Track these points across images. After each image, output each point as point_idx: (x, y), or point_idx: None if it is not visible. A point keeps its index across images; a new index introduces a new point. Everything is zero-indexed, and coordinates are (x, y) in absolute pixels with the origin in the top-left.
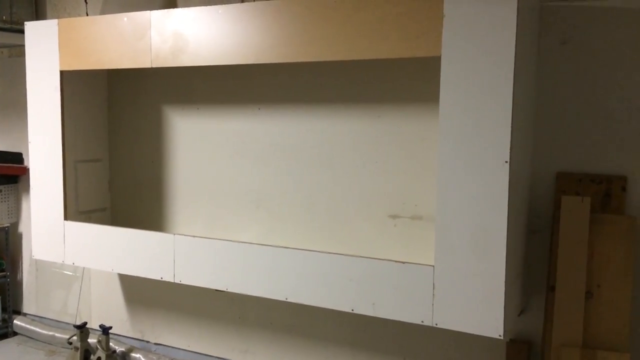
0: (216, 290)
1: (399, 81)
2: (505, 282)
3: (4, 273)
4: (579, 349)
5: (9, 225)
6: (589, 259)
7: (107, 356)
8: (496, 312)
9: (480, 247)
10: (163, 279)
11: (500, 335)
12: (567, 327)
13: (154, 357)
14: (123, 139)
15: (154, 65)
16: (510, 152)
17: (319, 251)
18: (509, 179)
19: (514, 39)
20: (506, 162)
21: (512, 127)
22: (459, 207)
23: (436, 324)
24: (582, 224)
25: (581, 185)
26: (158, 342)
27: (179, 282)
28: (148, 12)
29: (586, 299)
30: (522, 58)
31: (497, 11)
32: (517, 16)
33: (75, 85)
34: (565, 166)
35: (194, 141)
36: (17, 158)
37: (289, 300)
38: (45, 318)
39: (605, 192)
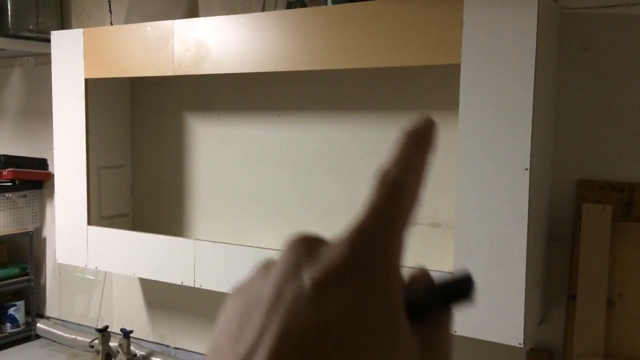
0: None
1: (419, 89)
2: (526, 290)
3: (27, 277)
4: (600, 358)
5: (33, 230)
6: (611, 267)
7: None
8: (516, 320)
9: (500, 255)
10: (183, 284)
11: (520, 344)
12: (588, 337)
13: None
14: (145, 146)
15: (176, 73)
16: (531, 160)
17: None
18: (529, 186)
19: (535, 46)
20: (526, 169)
21: (532, 134)
22: (478, 215)
23: (455, 332)
24: (604, 233)
25: (602, 193)
26: (177, 347)
27: (199, 286)
28: (171, 21)
29: (607, 308)
30: (542, 65)
31: (517, 18)
32: (538, 23)
33: (100, 92)
34: (587, 174)
35: (214, 147)
36: (42, 164)
37: None
38: (67, 322)
39: (627, 200)
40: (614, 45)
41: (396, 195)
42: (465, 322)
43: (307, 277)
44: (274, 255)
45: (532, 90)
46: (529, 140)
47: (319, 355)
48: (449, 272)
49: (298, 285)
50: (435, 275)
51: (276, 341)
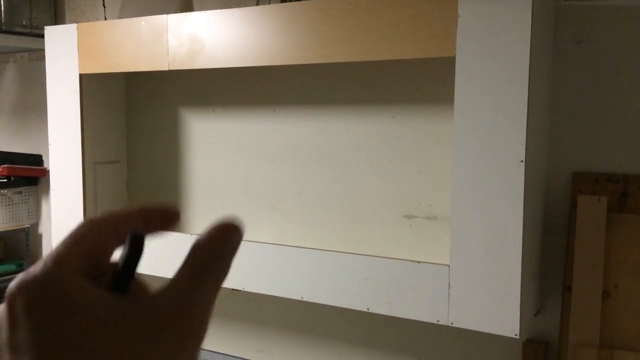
0: (232, 289)
1: (414, 82)
2: (521, 281)
3: None
4: (596, 348)
5: (29, 226)
6: (606, 258)
7: None
8: (512, 311)
9: (496, 247)
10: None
11: (516, 335)
12: (583, 327)
13: None
14: (140, 141)
15: (170, 68)
16: (526, 152)
17: (334, 251)
18: (525, 178)
19: (529, 39)
20: (522, 161)
21: (527, 126)
22: (474, 207)
23: (452, 323)
24: (599, 224)
25: (598, 184)
26: None
27: None
28: (165, 16)
29: (603, 298)
30: (537, 57)
31: (511, 11)
32: (532, 16)
33: (94, 88)
34: (582, 165)
35: (210, 142)
36: (37, 160)
37: (304, 299)
38: None
39: (622, 191)
40: (609, 37)
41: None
42: (461, 313)
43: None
44: None
45: (527, 83)
46: (524, 132)
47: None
48: (445, 265)
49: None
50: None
51: None
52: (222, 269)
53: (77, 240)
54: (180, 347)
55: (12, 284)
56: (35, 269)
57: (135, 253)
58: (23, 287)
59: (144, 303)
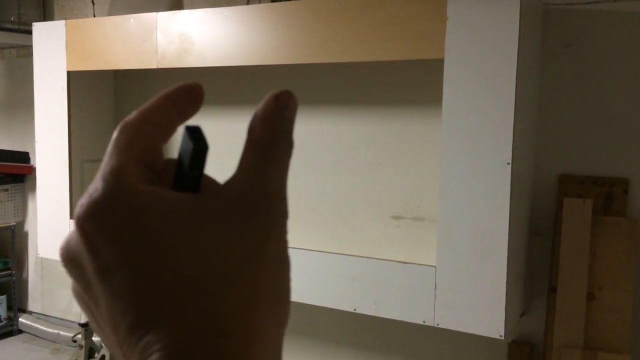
0: None
1: (403, 83)
2: (507, 282)
3: (9, 271)
4: (580, 350)
5: (15, 224)
6: (591, 261)
7: (111, 354)
8: (498, 312)
9: (482, 248)
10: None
11: (501, 336)
12: (568, 329)
13: None
14: None
15: (159, 66)
16: (513, 154)
17: (322, 251)
18: (511, 180)
19: (517, 42)
20: (508, 163)
21: (514, 128)
22: (460, 208)
23: (438, 324)
24: (584, 226)
25: (583, 187)
26: None
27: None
28: (154, 13)
29: (588, 300)
30: (525, 60)
31: (500, 14)
32: (520, 19)
33: (82, 85)
34: (568, 168)
35: (209, 147)
36: (23, 157)
37: (291, 299)
38: (50, 316)
39: (607, 194)
40: (596, 41)
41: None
42: (447, 314)
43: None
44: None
45: (514, 85)
46: (511, 134)
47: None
48: (432, 266)
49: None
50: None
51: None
52: (287, 141)
53: (124, 147)
54: (268, 229)
55: (78, 210)
56: (95, 188)
57: (201, 148)
58: (91, 209)
59: (220, 194)
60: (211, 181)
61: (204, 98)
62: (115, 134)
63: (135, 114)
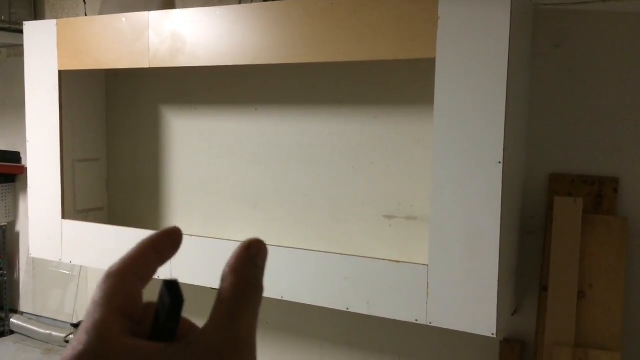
0: (212, 288)
1: (395, 83)
2: (498, 281)
3: (0, 272)
4: (571, 348)
5: (6, 224)
6: (581, 259)
7: None
8: (489, 311)
9: (474, 247)
10: (160, 278)
11: (493, 334)
12: (559, 327)
13: None
14: (121, 139)
15: (151, 66)
16: (504, 153)
17: (314, 250)
18: (502, 179)
19: (508, 41)
20: (499, 162)
21: (505, 128)
22: (452, 207)
23: (430, 323)
24: (575, 225)
25: (574, 186)
26: None
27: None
28: (146, 12)
29: (578, 298)
30: (515, 60)
31: (491, 14)
32: (511, 19)
33: (74, 85)
34: (558, 167)
35: (192, 141)
36: (14, 157)
37: (284, 299)
38: (42, 317)
39: (597, 193)
40: (586, 41)
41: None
42: (439, 312)
43: None
44: None
45: (505, 85)
46: (502, 133)
47: None
48: (424, 264)
49: None
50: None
51: None
52: (257, 290)
53: (108, 299)
54: None
55: None
56: (78, 341)
57: (177, 303)
58: (79, 353)
59: (192, 346)
60: (188, 325)
61: (182, 241)
62: (100, 282)
63: (119, 264)
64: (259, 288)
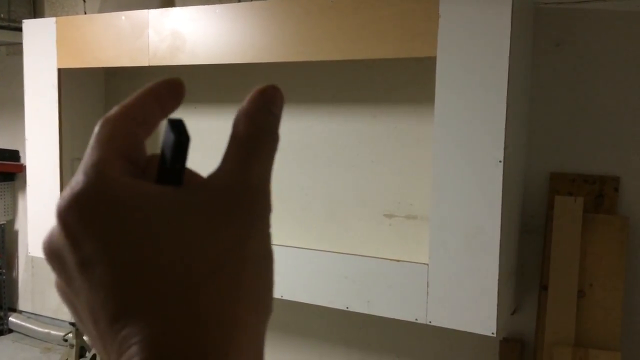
0: None
1: (395, 81)
2: (499, 280)
3: None
4: (571, 347)
5: (5, 222)
6: (582, 258)
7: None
8: (489, 310)
9: (474, 246)
10: None
11: (493, 333)
12: (559, 326)
13: None
14: None
15: (151, 64)
16: (505, 152)
17: (314, 249)
18: (503, 178)
19: (509, 40)
20: (500, 161)
21: (506, 126)
22: (453, 206)
23: (430, 322)
24: (575, 224)
25: (574, 185)
26: None
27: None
28: (146, 11)
29: (578, 298)
30: (516, 59)
31: (492, 12)
32: (512, 17)
33: (73, 83)
34: (559, 166)
35: (191, 140)
36: (13, 155)
37: (284, 298)
38: (41, 315)
39: (598, 192)
40: (587, 40)
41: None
42: (439, 312)
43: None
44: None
45: (506, 84)
46: (503, 132)
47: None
48: (424, 263)
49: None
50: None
51: None
52: (272, 136)
53: (106, 141)
54: (250, 224)
55: (60, 202)
56: (76, 181)
57: (182, 140)
58: (72, 202)
59: (202, 188)
60: (195, 175)
61: (186, 93)
62: (96, 129)
63: (116, 109)
64: (275, 135)
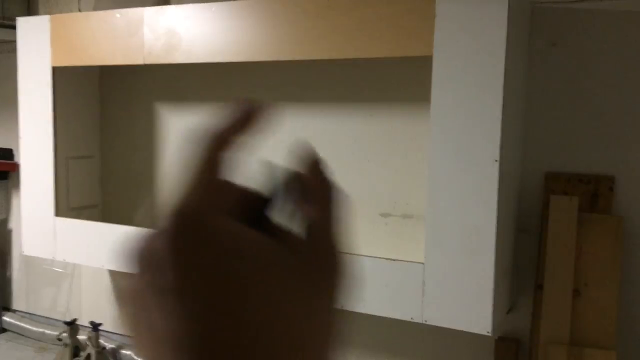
0: None
1: (392, 80)
2: (494, 279)
3: None
4: (566, 346)
5: None
6: (577, 258)
7: (97, 353)
8: (485, 309)
9: (470, 245)
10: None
11: (488, 332)
12: (554, 325)
13: None
14: (115, 136)
15: (146, 62)
16: (500, 151)
17: None
18: (499, 177)
19: (505, 39)
20: (496, 160)
21: (502, 126)
22: (448, 205)
23: (425, 321)
24: (570, 224)
25: (570, 185)
26: None
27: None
28: (141, 8)
29: (573, 297)
30: (512, 58)
31: (488, 11)
32: (508, 17)
33: (67, 81)
34: (554, 166)
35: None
36: (7, 154)
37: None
38: (35, 315)
39: (593, 192)
40: (583, 40)
41: (203, 158)
42: (435, 311)
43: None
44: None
45: (502, 83)
46: (499, 132)
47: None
48: (420, 262)
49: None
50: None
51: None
52: (338, 201)
53: (213, 164)
54: (338, 286)
55: (177, 219)
56: (165, 225)
57: (291, 195)
58: (189, 225)
59: (299, 246)
60: (285, 227)
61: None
62: (192, 159)
63: (211, 143)
64: (338, 198)
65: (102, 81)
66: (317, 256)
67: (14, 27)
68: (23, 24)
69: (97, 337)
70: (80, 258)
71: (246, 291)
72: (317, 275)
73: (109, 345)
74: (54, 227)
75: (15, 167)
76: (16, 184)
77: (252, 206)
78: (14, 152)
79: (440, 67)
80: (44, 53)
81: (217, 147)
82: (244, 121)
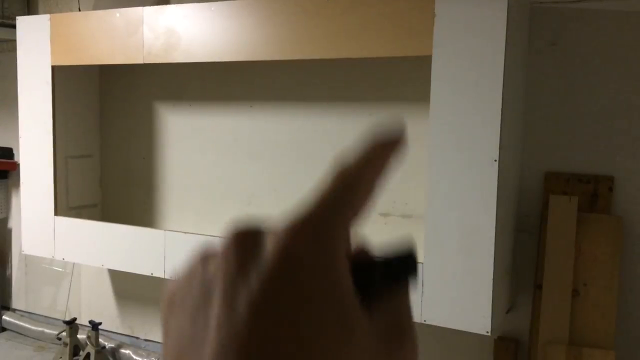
0: None
1: (391, 80)
2: (493, 279)
3: None
4: (565, 346)
5: None
6: (576, 257)
7: (97, 352)
8: (484, 309)
9: (469, 245)
10: (153, 275)
11: (487, 332)
12: (553, 325)
13: (144, 353)
14: (114, 135)
15: (146, 62)
16: (500, 151)
17: None
18: (498, 177)
19: (504, 39)
20: (495, 160)
21: (501, 125)
22: (448, 205)
23: (425, 321)
24: (570, 223)
25: (569, 185)
26: (148, 339)
27: (169, 278)
28: (140, 8)
29: (573, 297)
30: (512, 58)
31: (487, 11)
32: (508, 16)
33: (67, 80)
34: (554, 166)
35: (186, 138)
36: (7, 153)
37: None
38: (34, 314)
39: (592, 191)
40: (582, 39)
41: (349, 185)
42: (434, 311)
43: (254, 281)
44: (213, 243)
45: (502, 83)
46: (499, 131)
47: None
48: (419, 262)
49: (247, 292)
50: (375, 251)
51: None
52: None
53: (343, 204)
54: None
55: (297, 242)
56: (303, 222)
57: (411, 275)
58: (303, 251)
59: (375, 319)
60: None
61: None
62: (333, 179)
63: (356, 164)
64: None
65: (102, 80)
66: (395, 332)
67: (14, 26)
68: (23, 23)
69: (97, 336)
70: (79, 257)
71: (326, 354)
72: (388, 347)
73: (108, 345)
74: (54, 226)
75: (15, 166)
76: (16, 183)
77: (358, 261)
78: (14, 151)
79: (440, 67)
80: (43, 52)
81: (354, 181)
82: (386, 161)
